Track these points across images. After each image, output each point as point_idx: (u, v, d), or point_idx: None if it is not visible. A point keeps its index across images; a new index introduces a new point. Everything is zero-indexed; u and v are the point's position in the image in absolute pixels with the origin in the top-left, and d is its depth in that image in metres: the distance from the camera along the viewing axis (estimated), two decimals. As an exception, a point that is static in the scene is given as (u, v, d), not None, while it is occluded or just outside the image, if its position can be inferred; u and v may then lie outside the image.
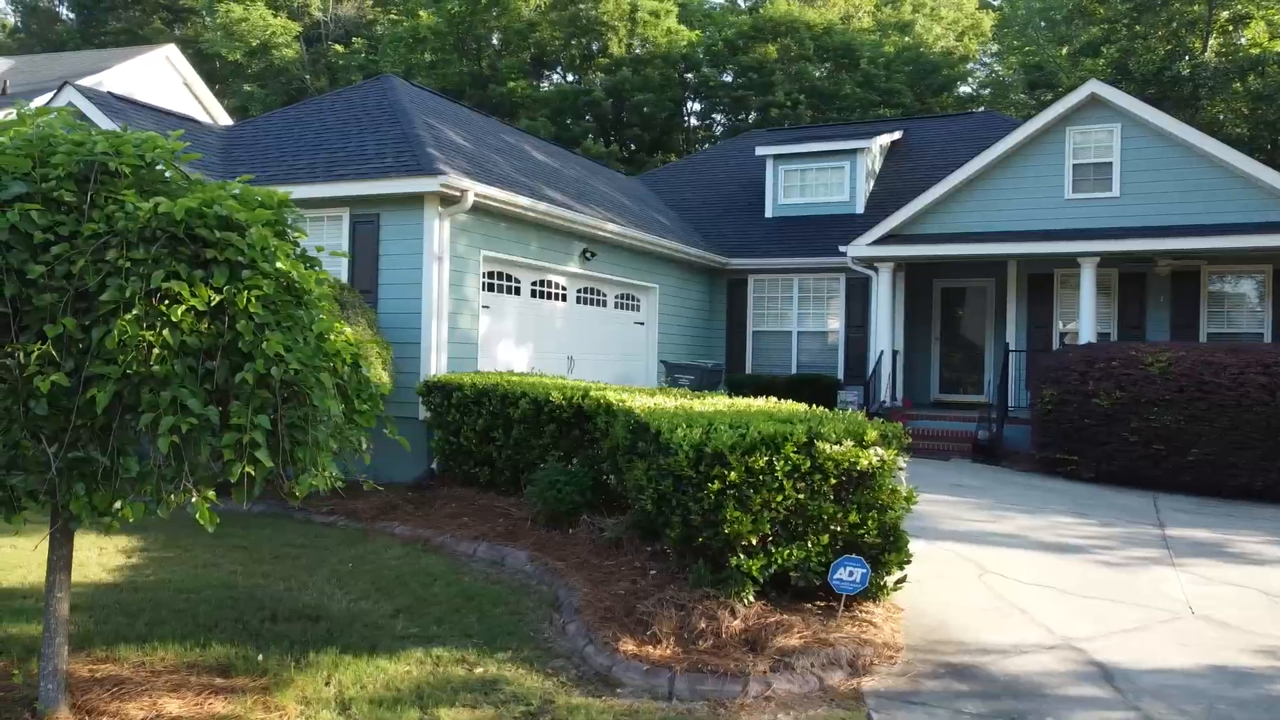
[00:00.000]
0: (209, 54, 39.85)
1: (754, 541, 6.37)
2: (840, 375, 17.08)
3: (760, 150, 19.21)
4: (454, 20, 38.05)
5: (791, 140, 19.65)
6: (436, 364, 10.47)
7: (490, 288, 11.87)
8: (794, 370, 17.62)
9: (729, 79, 37.81)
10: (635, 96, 35.89)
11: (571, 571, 7.43)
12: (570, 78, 41.35)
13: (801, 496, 6.36)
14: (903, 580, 6.84)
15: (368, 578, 7.61)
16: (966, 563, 8.33)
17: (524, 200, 11.41)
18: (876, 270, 15.83)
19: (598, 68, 38.77)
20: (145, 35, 44.01)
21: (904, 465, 6.83)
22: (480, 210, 11.11)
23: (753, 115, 37.18)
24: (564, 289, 13.55)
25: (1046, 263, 15.78)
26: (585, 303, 14.14)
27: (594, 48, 39.04)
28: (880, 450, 6.54)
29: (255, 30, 38.35)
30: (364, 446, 5.96)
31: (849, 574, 6.40)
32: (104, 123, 11.31)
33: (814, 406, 16.16)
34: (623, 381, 15.13)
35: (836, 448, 6.36)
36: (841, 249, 15.74)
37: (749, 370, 18.00)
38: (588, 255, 13.55)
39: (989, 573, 8.06)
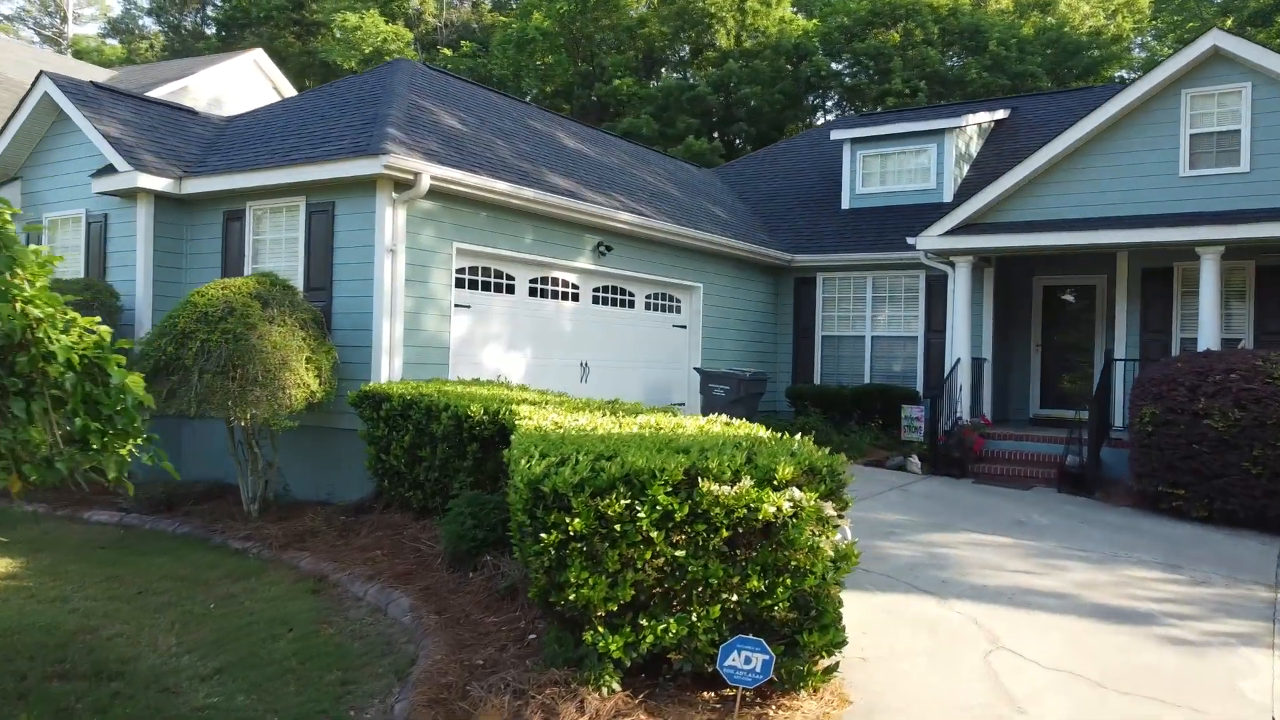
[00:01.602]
0: (327, 62, 40.62)
1: (613, 611, 4.77)
2: (919, 386, 14.96)
3: (836, 134, 17.24)
4: (564, 20, 37.36)
5: (871, 123, 17.57)
6: (389, 370, 9.26)
7: (471, 285, 10.58)
8: (867, 380, 15.59)
9: (844, 67, 35.51)
10: (742, 90, 34.14)
11: (442, 629, 6.00)
12: (687, 75, 39.91)
13: (680, 553, 4.72)
14: (833, 669, 5.07)
15: (217, 623, 6.42)
16: (978, 632, 6.42)
17: (502, 186, 10.07)
18: (954, 265, 13.68)
19: (706, 62, 37.22)
20: (276, 48, 45.49)
21: (836, 512, 5.06)
22: (448, 196, 9.85)
23: (876, 107, 34.75)
24: (575, 287, 12.13)
25: (1162, 254, 13.21)
26: (605, 303, 12.68)
27: (702, 41, 37.52)
28: (797, 493, 4.82)
29: (369, 38, 38.79)
30: (114, 474, 4.75)
31: (744, 660, 4.71)
32: (73, 112, 10.72)
33: (878, 421, 14.18)
34: (658, 392, 13.60)
35: (726, 489, 4.69)
36: (909, 240, 13.67)
37: (817, 379, 16.08)
38: (602, 250, 12.08)
39: (1002, 649, 6.14)
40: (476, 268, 10.63)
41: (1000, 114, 17.90)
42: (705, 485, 4.68)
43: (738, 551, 4.84)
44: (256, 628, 6.32)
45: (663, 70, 40.73)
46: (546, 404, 7.29)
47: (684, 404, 14.14)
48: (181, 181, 10.39)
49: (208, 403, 7.74)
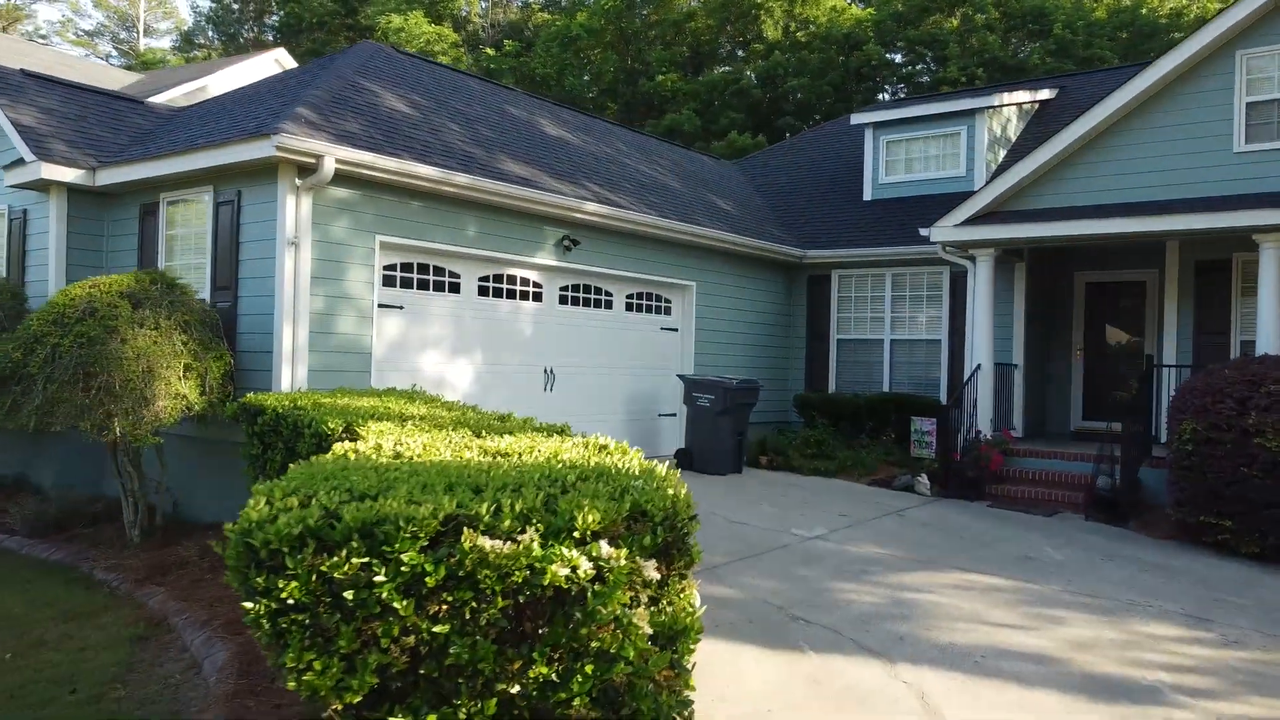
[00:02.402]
0: (372, 66, 40.39)
1: (356, 703, 3.59)
2: (942, 395, 13.41)
3: (856, 119, 15.77)
4: (609, 16, 36.41)
5: (895, 106, 16.04)
6: (292, 379, 8.24)
7: (404, 283, 9.52)
8: (886, 388, 14.09)
9: (897, 58, 33.73)
10: (789, 82, 32.64)
11: (232, 699, 4.90)
12: (733, 71, 38.58)
13: (440, 629, 3.51)
14: (659, 785, 3.80)
15: (-4, 681, 5.44)
16: (920, 712, 5.07)
17: (427, 170, 8.98)
18: (974, 259, 12.13)
19: (754, 55, 35.85)
20: (330, 54, 45.51)
21: (663, 574, 3.80)
22: (366, 184, 8.81)
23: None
24: (537, 286, 10.98)
25: (1219, 244, 11.47)
26: (574, 303, 11.49)
27: (749, 34, 36.13)
28: (606, 549, 3.58)
29: (413, 39, 38.43)
30: None
31: (523, 777, 3.49)
32: (-11, 100, 10.00)
33: (892, 434, 12.69)
34: (642, 402, 12.38)
35: (500, 545, 3.47)
36: (922, 231, 12.18)
37: (832, 387, 14.63)
38: (567, 244, 10.91)
39: (942, 739, 4.81)
40: (410, 264, 9.57)
41: (1044, 94, 16.18)
42: (470, 539, 3.47)
43: (525, 626, 3.62)
44: (38, 687, 5.32)
45: (711, 66, 39.42)
46: (408, 419, 6.15)
47: (675, 415, 12.88)
48: (96, 173, 9.57)
49: (51, 416, 6.82)
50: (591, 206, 10.78)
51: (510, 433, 5.81)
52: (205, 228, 8.95)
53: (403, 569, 3.43)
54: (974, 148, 14.52)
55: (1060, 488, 10.96)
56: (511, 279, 10.67)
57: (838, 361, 14.71)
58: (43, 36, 52.74)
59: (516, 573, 3.47)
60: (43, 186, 9.62)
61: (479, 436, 5.65)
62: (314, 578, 3.46)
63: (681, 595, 3.92)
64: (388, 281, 9.32)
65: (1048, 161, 11.36)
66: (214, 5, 51.66)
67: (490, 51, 40.14)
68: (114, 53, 57.59)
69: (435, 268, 9.81)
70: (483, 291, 10.32)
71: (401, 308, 9.44)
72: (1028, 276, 12.90)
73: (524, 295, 10.82)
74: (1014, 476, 11.28)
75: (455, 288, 10.03)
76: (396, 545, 3.45)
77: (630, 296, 12.31)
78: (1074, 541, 9.13)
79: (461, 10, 42.97)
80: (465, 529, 3.51)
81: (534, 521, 3.58)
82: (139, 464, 7.91)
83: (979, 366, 11.83)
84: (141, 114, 11.32)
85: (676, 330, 13.06)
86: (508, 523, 3.54)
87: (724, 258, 13.51)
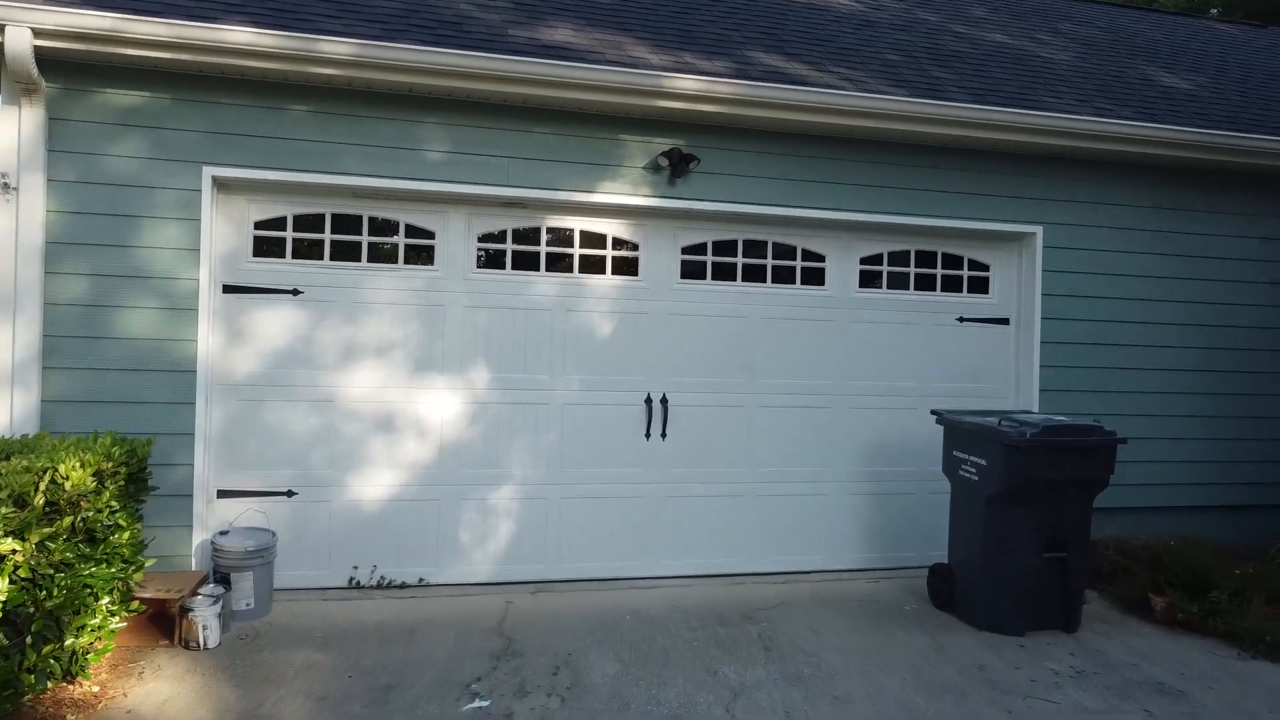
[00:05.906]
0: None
1: None
2: None
3: None
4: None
5: None
6: (10, 414, 4.87)
7: (299, 250, 5.49)
8: None
9: None
10: None
11: None
12: None
13: None
14: None
15: None
16: None
17: (241, 36, 4.80)
18: None
19: None
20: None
21: None
22: (177, 81, 5.06)
23: None
24: (624, 249, 6.01)
25: None
26: (719, 274, 6.18)
27: None
28: None
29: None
30: None
31: None
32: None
33: None
34: (912, 462, 6.57)
35: None
36: None
37: None
38: (664, 162, 5.76)
39: None
40: (318, 217, 5.54)
41: None
42: None
43: None
44: None
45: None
46: None
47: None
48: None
49: None
50: (689, 83, 5.48)
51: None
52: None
53: None
54: None
55: None
56: (560, 237, 5.95)
57: None
58: None
59: None
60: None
61: None
62: None
63: None
64: (264, 248, 5.46)
65: None
66: None
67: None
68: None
69: (375, 221, 5.64)
70: (491, 260, 5.82)
71: (296, 292, 5.48)
72: None
73: (590, 265, 6.00)
74: None
75: (424, 254, 5.71)
76: None
77: (870, 261, 6.51)
78: None
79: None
80: None
81: None
82: None
83: None
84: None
85: (1005, 323, 6.75)
86: None
87: (1119, 174, 6.74)
